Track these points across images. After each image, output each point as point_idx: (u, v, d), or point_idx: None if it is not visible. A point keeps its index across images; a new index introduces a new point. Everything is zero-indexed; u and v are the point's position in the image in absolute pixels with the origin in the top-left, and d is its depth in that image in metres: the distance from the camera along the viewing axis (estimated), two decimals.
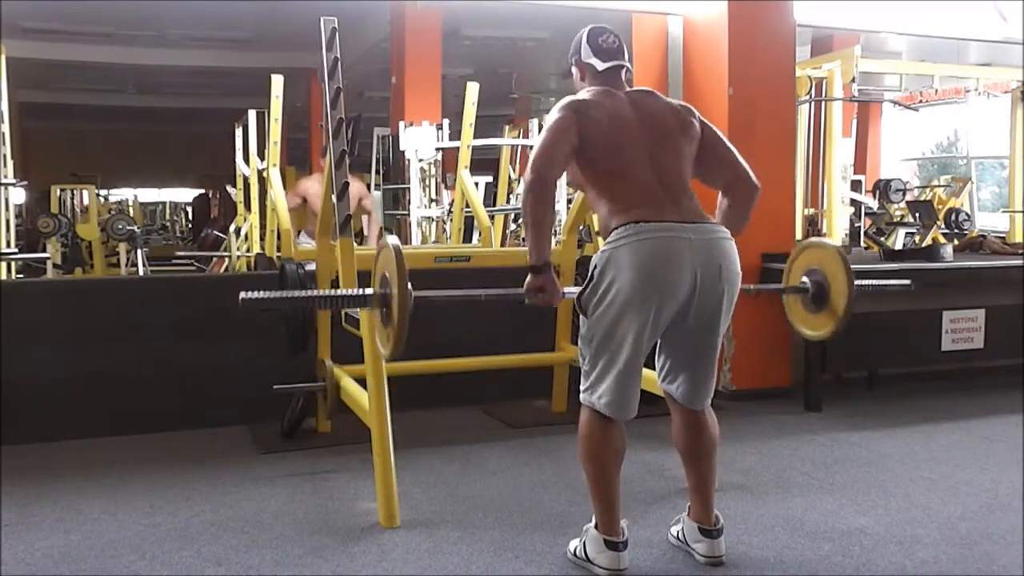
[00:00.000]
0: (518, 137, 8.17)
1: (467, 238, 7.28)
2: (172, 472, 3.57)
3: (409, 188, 7.52)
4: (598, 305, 2.48)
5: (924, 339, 4.81)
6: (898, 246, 8.75)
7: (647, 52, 5.25)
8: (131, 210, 13.41)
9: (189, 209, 19.46)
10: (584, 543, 2.62)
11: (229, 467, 3.63)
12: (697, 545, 2.66)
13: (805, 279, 2.89)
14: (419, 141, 7.32)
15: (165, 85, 15.15)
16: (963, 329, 4.87)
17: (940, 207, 9.24)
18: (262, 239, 7.27)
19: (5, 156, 6.09)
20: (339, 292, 2.70)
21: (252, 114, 7.57)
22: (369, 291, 2.58)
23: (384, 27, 9.69)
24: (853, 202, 8.19)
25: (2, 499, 3.21)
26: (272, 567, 2.66)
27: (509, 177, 7.83)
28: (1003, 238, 7.51)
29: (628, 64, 2.71)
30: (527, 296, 2.58)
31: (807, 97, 7.34)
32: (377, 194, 8.87)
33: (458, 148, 6.20)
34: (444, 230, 7.45)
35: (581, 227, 4.74)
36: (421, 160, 7.42)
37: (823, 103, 7.43)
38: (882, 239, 9.10)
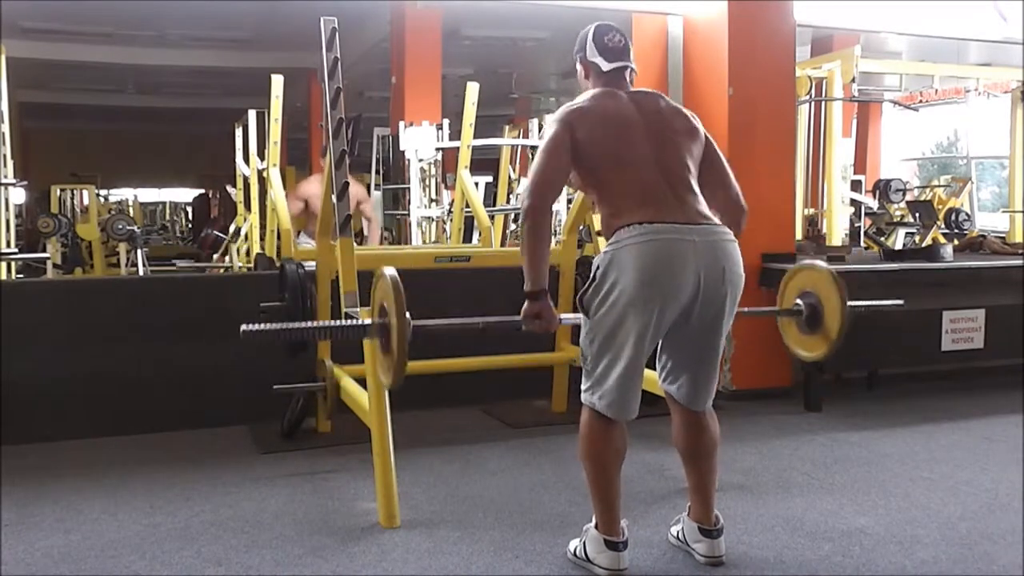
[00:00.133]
0: (518, 137, 8.17)
1: (467, 238, 7.28)
2: (172, 472, 3.57)
3: (409, 188, 7.52)
4: (600, 306, 2.48)
5: (924, 339, 4.81)
6: (898, 246, 8.75)
7: (647, 52, 5.26)
8: (131, 210, 13.39)
9: (189, 209, 19.45)
10: (584, 543, 2.62)
11: (229, 467, 3.63)
12: (697, 545, 2.66)
13: (799, 301, 2.90)
14: (419, 141, 7.32)
15: (165, 85, 15.15)
16: (963, 329, 4.87)
17: (940, 207, 9.24)
18: (262, 239, 7.27)
19: (5, 156, 6.09)
20: (339, 323, 2.72)
21: (252, 114, 7.56)
22: (368, 321, 2.60)
23: (384, 27, 9.69)
24: (853, 202, 8.20)
25: (2, 499, 3.21)
26: (272, 567, 2.66)
27: (509, 177, 7.82)
28: (1003, 238, 7.51)
29: (633, 65, 2.71)
30: (524, 323, 2.59)
31: (807, 97, 7.35)
32: (377, 194, 8.87)
33: (458, 148, 6.19)
34: (444, 230, 7.45)
35: (581, 227, 4.73)
36: (421, 160, 7.42)
37: (823, 103, 7.45)
38: (882, 239, 9.10)
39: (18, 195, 8.49)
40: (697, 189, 2.58)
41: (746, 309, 2.77)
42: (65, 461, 3.74)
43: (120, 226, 9.40)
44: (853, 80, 7.49)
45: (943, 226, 8.92)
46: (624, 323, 2.44)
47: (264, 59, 11.13)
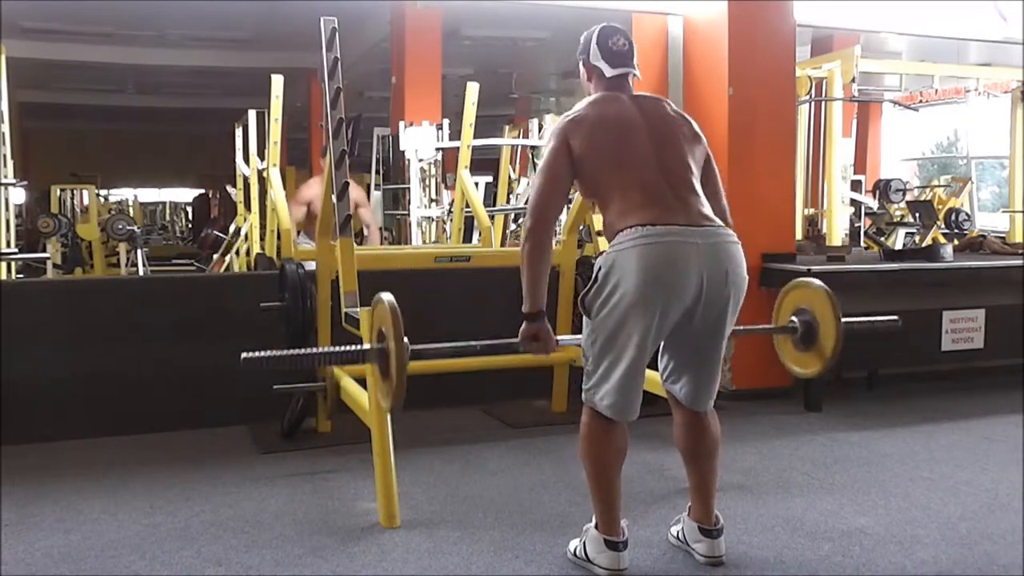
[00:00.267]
0: (518, 137, 8.17)
1: (467, 238, 7.28)
2: (172, 472, 3.57)
3: (409, 188, 7.52)
4: (602, 307, 2.47)
5: (924, 339, 4.81)
6: (898, 246, 8.75)
7: (647, 52, 5.25)
8: (131, 210, 13.42)
9: (189, 209, 19.47)
10: (584, 543, 2.62)
11: (229, 467, 3.63)
12: (697, 545, 2.66)
13: (794, 319, 2.91)
14: (419, 141, 7.32)
15: (165, 85, 15.15)
16: (963, 329, 4.87)
17: (940, 207, 9.23)
18: (262, 239, 7.27)
19: (5, 156, 6.09)
20: (338, 349, 2.74)
21: (252, 114, 7.57)
22: (367, 346, 2.61)
23: (384, 27, 9.69)
24: (853, 202, 8.20)
25: (2, 499, 3.21)
26: (272, 567, 2.66)
27: (509, 177, 7.82)
28: (1003, 238, 7.51)
29: (636, 71, 2.70)
30: (521, 346, 2.60)
31: (807, 97, 7.34)
32: (377, 194, 8.88)
33: (458, 148, 6.19)
34: (444, 230, 7.45)
35: (581, 227, 4.73)
36: (421, 160, 7.42)
37: (823, 103, 7.44)
38: (882, 239, 9.10)
39: (18, 195, 8.50)
40: (700, 190, 2.58)
41: (741, 328, 2.81)
42: (65, 461, 3.74)
43: (120, 226, 9.41)
44: (853, 80, 7.48)
45: (943, 226, 8.92)
46: (626, 325, 2.43)
47: (264, 59, 11.13)
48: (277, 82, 5.98)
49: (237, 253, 8.18)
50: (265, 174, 6.57)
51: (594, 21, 2.75)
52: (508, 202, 7.58)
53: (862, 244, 8.30)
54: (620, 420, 2.53)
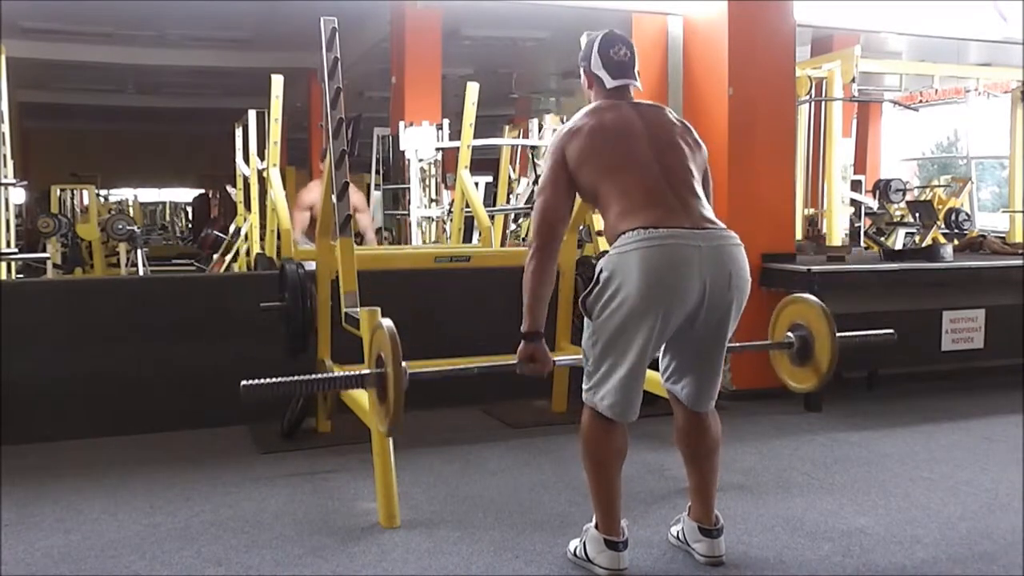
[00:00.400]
0: (518, 137, 8.17)
1: (467, 238, 7.28)
2: (172, 472, 3.57)
3: (409, 188, 7.52)
4: (603, 309, 2.46)
5: (924, 339, 4.81)
6: (898, 246, 8.75)
7: (647, 52, 5.25)
8: (131, 210, 13.41)
9: (189, 209, 19.47)
10: (584, 543, 2.62)
11: (229, 467, 3.63)
12: (697, 545, 2.66)
13: (790, 334, 2.92)
14: (419, 141, 7.31)
15: (165, 85, 15.15)
16: (963, 329, 4.87)
17: (940, 207, 9.23)
18: (262, 239, 7.27)
19: (5, 156, 6.09)
20: (338, 374, 2.75)
21: (252, 114, 7.57)
22: (366, 371, 2.62)
23: (384, 27, 9.69)
24: (853, 202, 8.20)
25: (2, 499, 3.21)
26: (272, 567, 2.66)
27: (509, 177, 7.83)
28: (1003, 238, 7.51)
29: (637, 82, 2.70)
30: (518, 367, 2.62)
31: (807, 97, 7.34)
32: (377, 194, 8.88)
33: (458, 148, 6.20)
34: (444, 230, 7.45)
35: (581, 227, 4.74)
36: (421, 160, 7.42)
37: (823, 103, 7.44)
38: (882, 239, 9.10)
39: (18, 195, 8.50)
40: (701, 193, 2.57)
41: (738, 344, 2.82)
42: (65, 461, 3.73)
43: (120, 226, 9.40)
44: (853, 80, 7.48)
45: (943, 226, 8.92)
46: (628, 328, 2.43)
47: (264, 59, 11.13)
48: (277, 82, 5.98)
49: (237, 253, 8.18)
50: (265, 174, 6.57)
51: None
52: (508, 202, 7.59)
53: (862, 244, 8.30)
54: (620, 421, 2.52)
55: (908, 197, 9.66)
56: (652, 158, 2.55)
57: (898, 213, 9.65)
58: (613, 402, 2.49)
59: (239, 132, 8.22)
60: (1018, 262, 5.11)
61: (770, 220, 4.89)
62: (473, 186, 6.12)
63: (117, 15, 10.30)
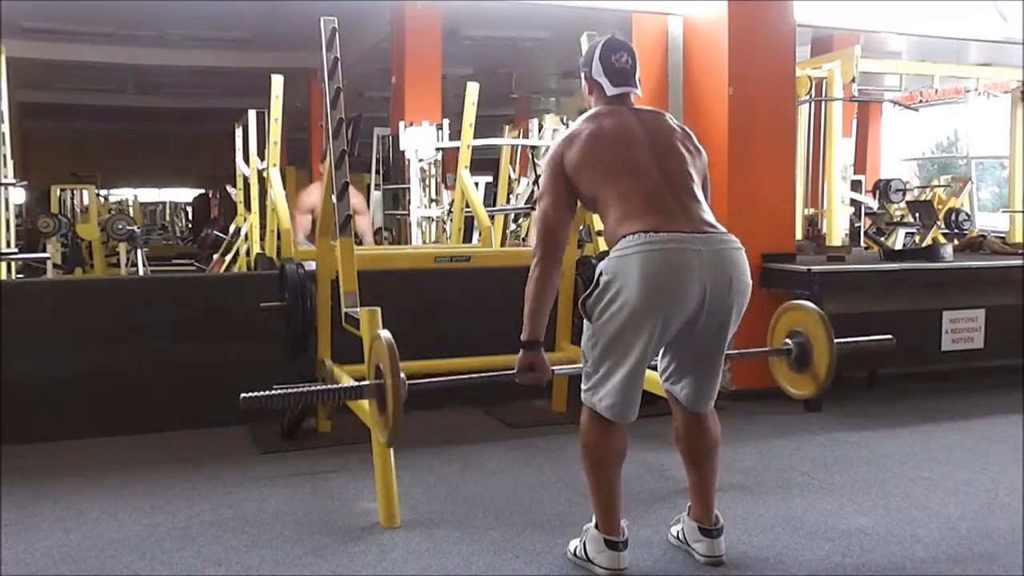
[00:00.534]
0: (518, 137, 8.17)
1: (467, 238, 7.28)
2: (172, 472, 3.57)
3: (409, 188, 7.52)
4: (603, 312, 2.46)
5: (924, 339, 4.81)
6: (898, 246, 8.75)
7: (647, 52, 5.25)
8: (131, 210, 13.41)
9: (189, 209, 19.47)
10: (584, 543, 2.62)
11: (229, 467, 3.63)
12: (697, 545, 2.66)
13: (788, 341, 2.93)
14: (419, 141, 7.31)
15: (165, 85, 15.15)
16: (963, 329, 4.87)
17: (940, 207, 9.23)
18: (262, 239, 7.27)
19: (5, 156, 6.09)
20: (337, 386, 2.75)
21: (252, 114, 7.57)
22: (365, 383, 2.63)
23: (384, 27, 9.69)
24: (853, 202, 8.20)
25: (2, 499, 3.21)
26: (272, 567, 2.66)
27: (509, 177, 7.83)
28: (1003, 238, 7.51)
29: (638, 90, 2.70)
30: (517, 376, 2.62)
31: (807, 97, 7.34)
32: (377, 194, 8.88)
33: (458, 148, 6.20)
34: (444, 230, 7.44)
35: (581, 227, 4.73)
36: (421, 160, 7.42)
37: (823, 103, 7.44)
38: (882, 239, 9.10)
39: (18, 195, 8.48)
40: (701, 197, 2.57)
41: (736, 352, 2.83)
42: (65, 461, 3.74)
43: (120, 226, 9.40)
44: (853, 80, 7.48)
45: (943, 226, 8.92)
46: (627, 332, 2.43)
47: (264, 59, 11.12)
48: (277, 82, 5.98)
49: (237, 253, 8.18)
50: (265, 174, 6.57)
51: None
52: (508, 202, 7.58)
53: (862, 244, 8.30)
54: (619, 422, 2.52)
55: (908, 197, 9.66)
56: (652, 162, 2.55)
57: (898, 213, 9.65)
58: (612, 403, 2.49)
59: (239, 132, 8.22)
60: (1018, 262, 5.12)
61: (770, 220, 4.89)
62: (473, 186, 6.12)
63: (117, 15, 10.30)
